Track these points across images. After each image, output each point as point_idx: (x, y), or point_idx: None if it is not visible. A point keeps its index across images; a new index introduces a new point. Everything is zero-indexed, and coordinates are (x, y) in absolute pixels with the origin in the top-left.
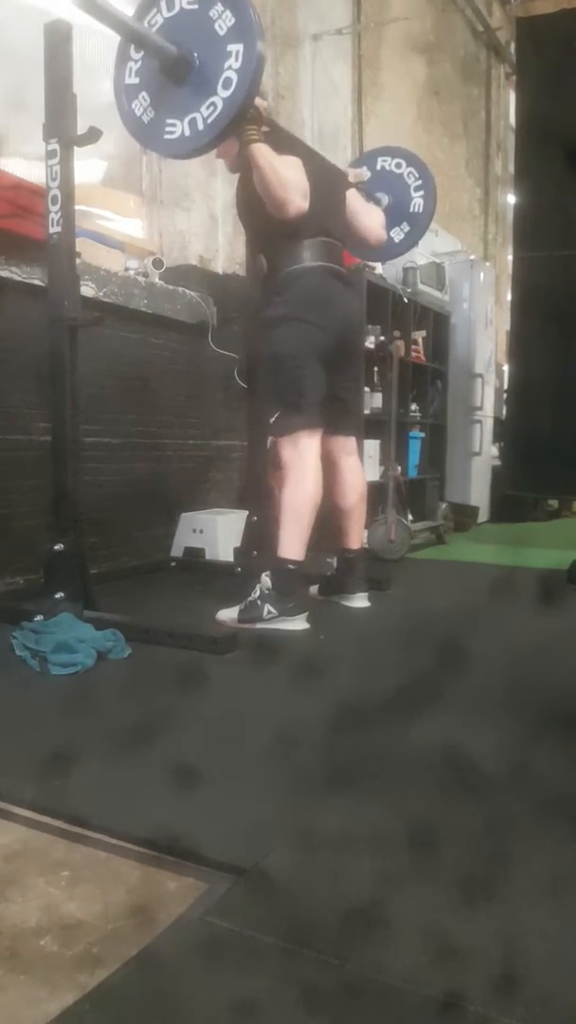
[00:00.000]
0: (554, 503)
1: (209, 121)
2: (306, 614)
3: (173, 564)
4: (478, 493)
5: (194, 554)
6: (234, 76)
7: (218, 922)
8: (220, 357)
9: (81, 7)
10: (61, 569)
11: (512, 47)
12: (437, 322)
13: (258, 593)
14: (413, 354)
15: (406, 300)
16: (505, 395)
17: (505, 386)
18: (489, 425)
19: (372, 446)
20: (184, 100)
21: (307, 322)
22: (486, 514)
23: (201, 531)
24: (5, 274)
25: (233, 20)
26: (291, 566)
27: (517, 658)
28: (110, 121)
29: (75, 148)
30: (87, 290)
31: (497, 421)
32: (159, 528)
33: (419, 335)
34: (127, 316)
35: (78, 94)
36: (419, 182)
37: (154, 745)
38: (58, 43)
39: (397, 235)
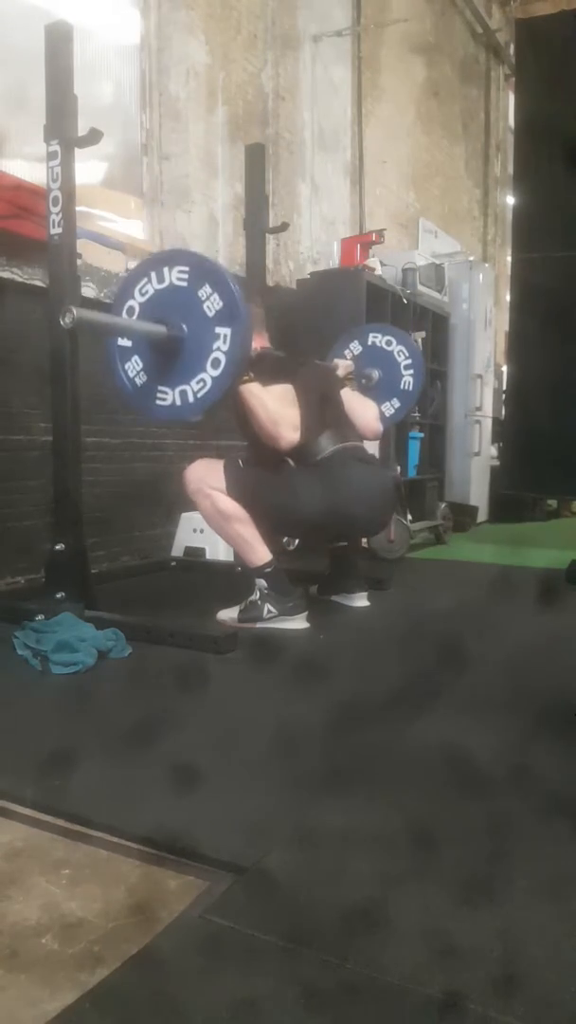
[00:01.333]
0: (553, 503)
1: (199, 396)
2: (306, 614)
3: (173, 564)
4: (477, 493)
5: (194, 554)
6: (223, 358)
7: (218, 921)
8: None
9: (73, 327)
10: (62, 569)
11: (511, 48)
12: (436, 323)
13: (258, 593)
14: None
15: (405, 301)
16: (504, 395)
17: (504, 387)
18: (488, 425)
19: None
20: (175, 370)
21: (326, 490)
22: (485, 514)
23: (201, 531)
24: (6, 275)
25: (221, 304)
26: (267, 569)
27: (516, 658)
28: (111, 122)
29: (76, 149)
30: (88, 291)
31: (496, 421)
32: (159, 528)
33: (418, 336)
34: None
35: (79, 95)
36: (408, 361)
37: (155, 744)
38: (59, 44)
39: (387, 410)
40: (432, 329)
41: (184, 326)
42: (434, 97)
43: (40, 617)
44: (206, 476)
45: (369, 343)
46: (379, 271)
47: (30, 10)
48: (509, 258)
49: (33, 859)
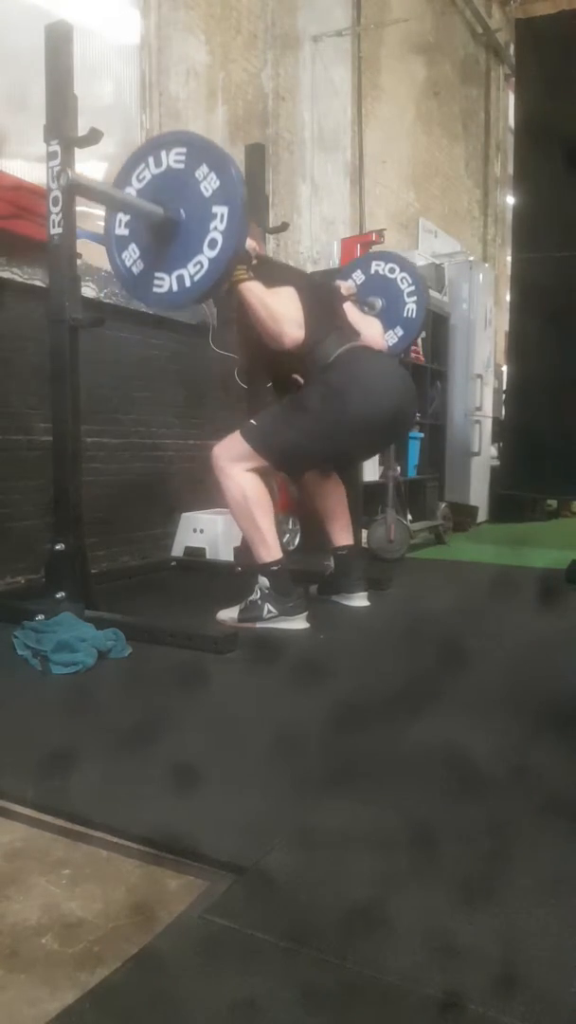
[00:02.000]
0: (553, 503)
1: (196, 279)
2: (306, 613)
3: (173, 564)
4: (477, 493)
5: (195, 554)
6: (219, 238)
7: (218, 921)
8: (220, 357)
9: (69, 192)
10: (62, 568)
11: (511, 48)
12: (436, 323)
13: (258, 593)
14: (412, 354)
15: None
16: (504, 395)
17: (504, 386)
18: (488, 425)
19: None
20: (172, 255)
21: (346, 394)
22: (485, 514)
23: (201, 531)
24: (6, 275)
25: (218, 183)
26: (274, 567)
27: (516, 658)
28: (111, 122)
29: (76, 149)
30: (88, 291)
31: (496, 421)
32: (159, 528)
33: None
34: (128, 317)
35: (79, 95)
36: (412, 288)
37: (155, 744)
38: (59, 44)
39: (391, 339)
40: (432, 329)
41: (182, 210)
42: (434, 97)
43: (40, 617)
44: (227, 448)
45: (372, 271)
46: None
47: (30, 10)
48: (509, 258)
49: (33, 859)
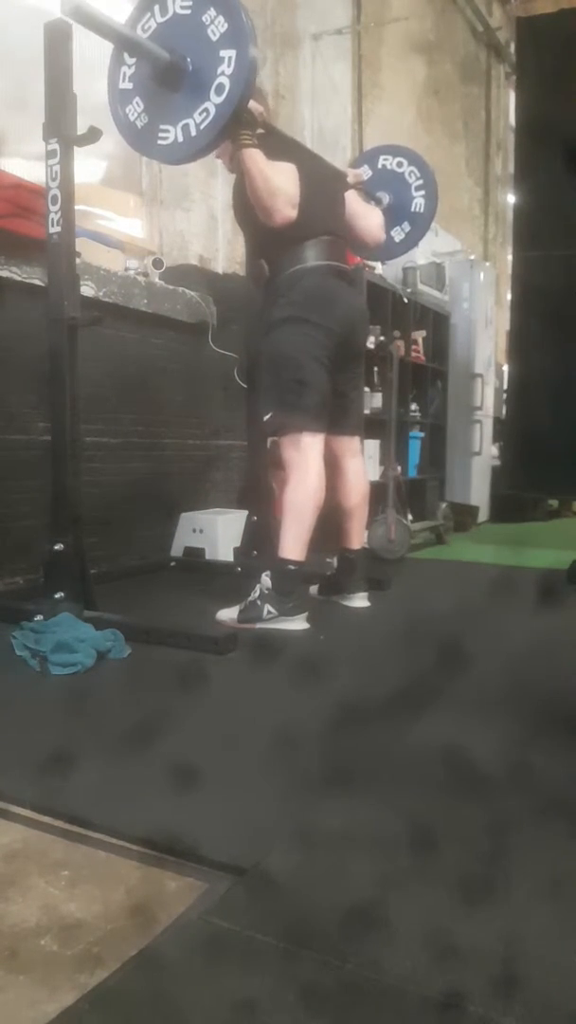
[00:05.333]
0: (554, 503)
1: (202, 127)
2: (306, 614)
3: (173, 564)
4: (478, 493)
5: (194, 554)
6: (227, 82)
7: (218, 922)
8: (220, 357)
9: (71, 16)
10: (61, 569)
11: (512, 47)
12: (437, 322)
13: (258, 593)
14: (413, 354)
15: (406, 300)
16: (505, 395)
17: (505, 386)
18: (489, 425)
19: (372, 446)
20: (177, 106)
21: (310, 322)
22: (486, 514)
23: (201, 531)
24: (5, 274)
25: (226, 26)
26: (291, 567)
27: (517, 658)
28: (110, 121)
29: (75, 148)
30: (87, 290)
31: (497, 421)
32: (159, 528)
33: (419, 335)
34: (127, 316)
35: (78, 94)
36: (420, 181)
37: (154, 745)
38: (58, 43)
39: (398, 235)
40: (432, 328)
41: (188, 58)
42: (434, 96)
43: (39, 617)
44: (283, 448)
45: (379, 166)
46: (379, 270)
47: (29, 9)
48: (510, 257)
49: (32, 860)
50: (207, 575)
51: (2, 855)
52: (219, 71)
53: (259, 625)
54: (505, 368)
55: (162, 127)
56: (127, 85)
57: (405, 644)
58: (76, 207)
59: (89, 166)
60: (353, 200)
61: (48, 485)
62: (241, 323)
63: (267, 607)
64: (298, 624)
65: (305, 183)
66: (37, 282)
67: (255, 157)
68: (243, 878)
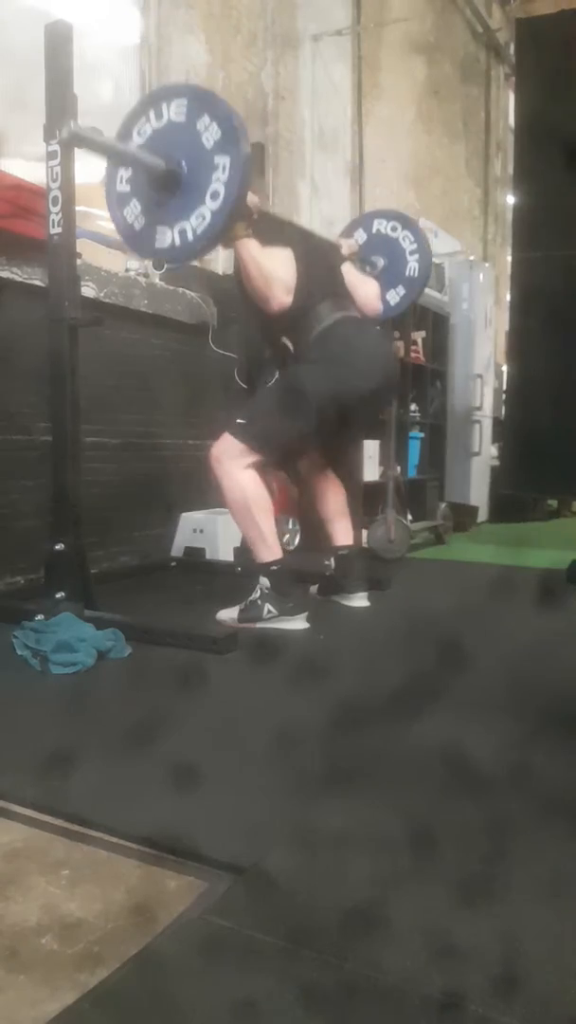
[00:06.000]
0: (553, 503)
1: (199, 232)
2: (306, 614)
3: (173, 564)
4: (477, 493)
5: (194, 554)
6: (222, 188)
7: (218, 921)
8: (220, 358)
9: (69, 143)
10: (61, 569)
11: (512, 48)
12: (436, 322)
13: (258, 593)
14: (413, 354)
15: None
16: (504, 395)
17: (504, 386)
18: (488, 425)
19: (372, 446)
20: (174, 209)
21: (331, 366)
22: (485, 514)
23: (201, 531)
24: (6, 275)
25: (220, 134)
26: (275, 567)
27: (517, 658)
28: (110, 122)
29: (76, 149)
30: (88, 291)
31: (496, 421)
32: (159, 528)
33: (418, 335)
34: (127, 317)
35: (79, 95)
36: (414, 246)
37: (154, 745)
38: (58, 44)
39: (393, 298)
40: (432, 329)
41: (183, 162)
42: (434, 96)
43: (39, 617)
44: (222, 448)
45: (374, 230)
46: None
47: (29, 10)
48: (509, 257)
49: (33, 859)
50: (207, 575)
51: (3, 854)
52: (214, 177)
53: (259, 625)
54: (504, 368)
55: (159, 229)
56: (125, 188)
57: (405, 644)
58: (77, 208)
59: (89, 167)
60: (349, 272)
61: (49, 485)
62: (241, 324)
63: (267, 607)
64: (298, 624)
65: (302, 262)
66: (38, 283)
67: (250, 248)
68: (243, 877)
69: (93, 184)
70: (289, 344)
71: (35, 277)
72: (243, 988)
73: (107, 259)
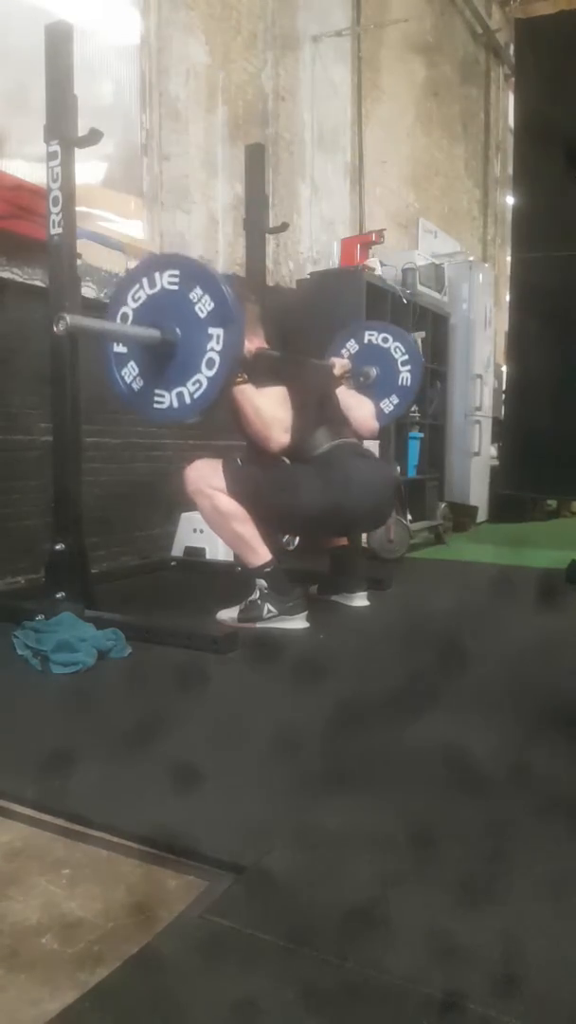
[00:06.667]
0: (553, 503)
1: (196, 396)
2: (306, 613)
3: (173, 564)
4: (477, 493)
5: (195, 554)
6: (217, 358)
7: (218, 920)
8: None
9: (66, 333)
10: (62, 568)
11: (511, 48)
12: (436, 323)
13: (258, 593)
14: None
15: (405, 301)
16: (504, 395)
17: (504, 386)
18: (488, 425)
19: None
20: (171, 374)
21: (327, 490)
22: (485, 514)
23: (201, 531)
24: (6, 275)
25: (212, 305)
26: (268, 569)
27: (516, 658)
28: (111, 122)
29: (76, 149)
30: (88, 291)
31: (496, 421)
32: (159, 528)
33: (418, 336)
34: None
35: (79, 95)
36: (405, 357)
37: (155, 744)
38: (59, 44)
39: (386, 407)
40: (432, 329)
41: (177, 330)
42: (434, 97)
43: (40, 617)
44: (206, 475)
45: (366, 341)
46: (379, 271)
47: (30, 10)
48: (509, 258)
49: (33, 859)
50: (207, 575)
51: (3, 853)
52: (208, 347)
53: (259, 624)
54: (504, 368)
55: (157, 392)
56: (121, 350)
57: (405, 643)
58: (77, 208)
59: (90, 168)
60: (344, 395)
61: (49, 485)
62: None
63: (267, 606)
64: (298, 623)
65: (297, 397)
66: (38, 283)
67: (247, 393)
68: (243, 876)
69: (93, 184)
70: (288, 462)
71: (35, 277)
72: (243, 987)
73: (107, 259)
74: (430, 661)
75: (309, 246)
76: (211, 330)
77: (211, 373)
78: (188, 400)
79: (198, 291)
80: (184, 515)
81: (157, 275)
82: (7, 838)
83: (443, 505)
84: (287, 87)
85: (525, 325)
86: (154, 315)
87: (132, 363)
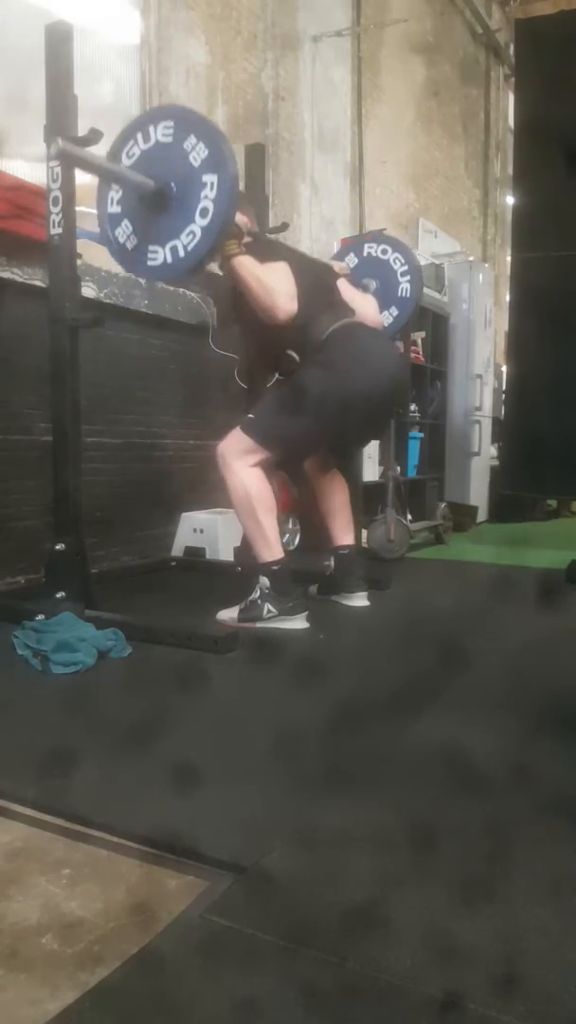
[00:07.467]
0: (553, 503)
1: (189, 248)
2: (306, 613)
3: (173, 564)
4: (477, 493)
5: (195, 554)
6: (211, 206)
7: (218, 920)
8: (220, 358)
9: (58, 160)
10: (62, 568)
11: (511, 48)
12: (436, 323)
13: (258, 592)
14: (412, 354)
15: None
16: (504, 395)
17: (504, 386)
18: (488, 425)
19: (372, 446)
20: (164, 228)
21: (342, 375)
22: (485, 514)
23: (201, 531)
24: (6, 275)
25: (206, 152)
26: (276, 567)
27: (516, 658)
28: (111, 122)
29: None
30: (88, 291)
31: (496, 421)
32: (159, 528)
33: (418, 336)
34: (128, 317)
35: (79, 95)
36: (404, 267)
37: (155, 744)
38: (59, 44)
39: (386, 319)
40: (432, 329)
41: (172, 183)
42: (434, 97)
43: (40, 617)
44: (230, 445)
45: (365, 254)
46: None
47: (30, 10)
48: (509, 258)
49: (33, 859)
50: (207, 575)
51: (3, 853)
52: (203, 195)
53: (259, 624)
54: (504, 369)
55: (151, 248)
56: (116, 209)
57: (405, 643)
58: (77, 208)
59: None
60: (346, 288)
61: (49, 485)
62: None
63: (267, 606)
64: (298, 623)
65: (299, 276)
66: (38, 283)
67: (246, 263)
68: (243, 876)
69: (93, 184)
70: (295, 355)
71: (35, 277)
72: (243, 987)
73: (107, 259)
74: (430, 661)
75: (309, 246)
76: (205, 177)
77: (205, 222)
78: (181, 253)
79: (192, 139)
80: (184, 515)
81: (152, 128)
82: (7, 838)
83: (443, 505)
84: (287, 87)
85: (525, 325)
86: (149, 169)
87: (126, 221)
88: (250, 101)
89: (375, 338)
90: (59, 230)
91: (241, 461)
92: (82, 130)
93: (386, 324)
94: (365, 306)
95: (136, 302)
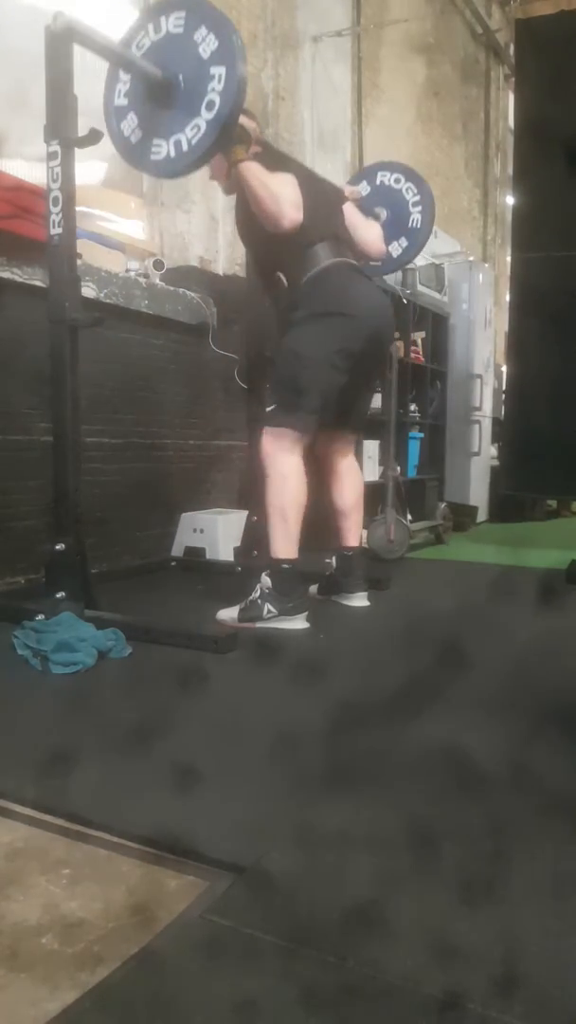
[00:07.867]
0: (553, 503)
1: (193, 142)
2: (306, 614)
3: (173, 564)
4: (477, 493)
5: (194, 554)
6: (217, 98)
7: (218, 920)
8: (220, 357)
9: (63, 35)
10: (62, 569)
11: (511, 49)
12: (436, 323)
13: (258, 592)
14: (412, 355)
15: (405, 301)
16: (504, 395)
17: (504, 387)
18: (488, 425)
19: (372, 446)
20: (170, 121)
21: (335, 315)
22: (485, 514)
23: (201, 531)
24: (6, 275)
25: (216, 43)
26: (286, 566)
27: (516, 658)
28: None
29: (76, 149)
30: (88, 291)
31: (496, 421)
32: (159, 528)
33: (418, 336)
34: (128, 317)
35: (79, 95)
36: (417, 197)
37: (155, 744)
38: (59, 45)
39: (395, 250)
40: (432, 329)
41: (180, 76)
42: (434, 97)
43: (40, 617)
44: (267, 444)
45: (378, 182)
46: None
47: (30, 10)
48: (509, 258)
49: (33, 859)
50: (207, 575)
51: (3, 853)
52: (210, 88)
53: (259, 624)
54: (504, 369)
55: (155, 142)
56: (122, 101)
57: (405, 643)
58: (77, 209)
59: (90, 168)
60: (352, 213)
61: (49, 485)
62: (242, 324)
63: (267, 606)
64: (298, 623)
65: (305, 191)
66: (38, 283)
67: (252, 169)
68: (243, 877)
69: (93, 184)
70: (283, 278)
71: (35, 277)
72: (243, 988)
73: (107, 259)
74: (430, 661)
75: None
76: (213, 69)
77: (210, 116)
78: (185, 146)
79: (203, 30)
80: (184, 515)
81: (163, 19)
82: (7, 838)
83: (443, 505)
84: (287, 87)
85: (525, 325)
86: (157, 60)
87: (131, 114)
88: (250, 101)
89: (362, 282)
90: (59, 230)
91: (284, 452)
92: (82, 130)
93: (395, 255)
94: (368, 233)
95: (136, 302)
